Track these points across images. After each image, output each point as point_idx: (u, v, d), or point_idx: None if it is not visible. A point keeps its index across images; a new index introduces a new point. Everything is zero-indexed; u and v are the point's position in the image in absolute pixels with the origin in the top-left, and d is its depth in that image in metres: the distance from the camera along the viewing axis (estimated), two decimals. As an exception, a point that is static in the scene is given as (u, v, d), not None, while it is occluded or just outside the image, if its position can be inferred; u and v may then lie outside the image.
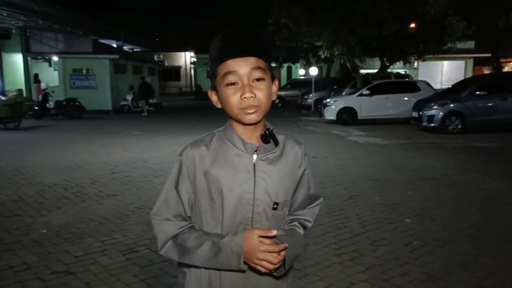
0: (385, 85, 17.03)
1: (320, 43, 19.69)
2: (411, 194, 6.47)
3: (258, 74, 1.41)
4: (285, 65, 32.96)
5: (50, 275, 3.81)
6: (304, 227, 1.58)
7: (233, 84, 1.41)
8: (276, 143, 1.51)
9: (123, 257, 4.21)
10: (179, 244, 1.46)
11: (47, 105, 18.71)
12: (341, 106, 16.48)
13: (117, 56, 24.76)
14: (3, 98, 16.03)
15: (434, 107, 13.50)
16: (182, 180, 1.49)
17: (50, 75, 23.68)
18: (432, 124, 13.40)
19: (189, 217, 1.51)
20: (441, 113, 13.27)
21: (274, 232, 1.39)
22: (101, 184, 7.05)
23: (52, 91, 19.67)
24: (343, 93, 18.89)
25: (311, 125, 16.52)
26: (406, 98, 16.08)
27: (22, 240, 4.66)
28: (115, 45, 29.92)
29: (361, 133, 13.82)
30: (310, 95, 22.81)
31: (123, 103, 22.41)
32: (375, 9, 16.78)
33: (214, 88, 1.49)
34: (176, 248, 1.47)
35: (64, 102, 18.98)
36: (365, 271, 3.88)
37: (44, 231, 4.93)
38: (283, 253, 1.39)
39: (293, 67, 38.56)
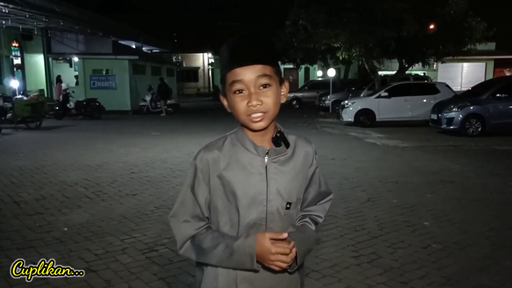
0: (404, 87, 16.88)
1: (338, 45, 19.61)
2: (430, 197, 6.42)
3: (264, 81, 1.44)
4: (303, 67, 32.82)
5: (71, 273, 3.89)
6: (316, 223, 1.65)
7: (240, 91, 1.44)
8: (287, 145, 1.55)
9: (143, 256, 4.28)
10: (196, 245, 1.52)
11: (68, 105, 18.98)
12: (359, 108, 16.38)
13: (136, 57, 25.02)
14: (25, 98, 16.33)
15: (454, 109, 13.35)
16: (198, 183, 1.54)
17: (70, 76, 24.03)
18: (451, 127, 13.25)
19: (206, 217, 1.57)
20: (460, 116, 13.11)
21: (285, 235, 1.45)
22: (121, 184, 7.15)
23: (73, 91, 19.95)
24: (361, 95, 18.81)
25: (329, 126, 16.48)
26: (425, 100, 15.90)
27: (44, 237, 4.76)
28: (134, 46, 30.23)
29: (379, 135, 13.74)
30: (328, 97, 22.70)
31: (142, 103, 22.61)
32: (394, 10, 16.66)
33: (224, 94, 1.53)
34: (194, 248, 1.53)
35: (84, 103, 19.23)
36: (383, 274, 3.87)
37: (65, 229, 5.03)
38: (294, 250, 1.46)
39: (311, 68, 38.42)
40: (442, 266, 4.01)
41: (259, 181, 1.51)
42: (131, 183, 7.21)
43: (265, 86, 1.44)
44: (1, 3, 15.64)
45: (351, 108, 16.51)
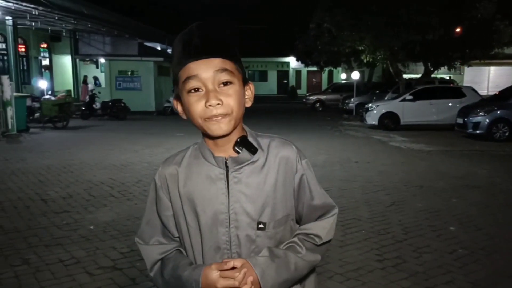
0: (429, 90, 16.67)
1: (362, 47, 19.48)
2: (455, 202, 6.33)
3: (224, 77, 1.21)
4: (326, 69, 32.70)
5: (97, 270, 3.96)
6: (313, 244, 1.35)
7: (196, 90, 1.22)
8: (253, 151, 1.30)
9: (167, 255, 4.31)
10: (161, 272, 1.34)
11: (94, 105, 19.28)
12: (383, 111, 16.25)
13: (161, 59, 25.26)
14: (52, 98, 16.67)
15: (480, 113, 13.12)
16: (160, 202, 1.37)
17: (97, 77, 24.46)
18: (477, 131, 13.02)
19: (177, 237, 1.39)
20: (487, 120, 12.88)
21: (230, 264, 1.20)
22: (146, 184, 7.23)
23: (99, 92, 20.27)
24: (385, 98, 18.65)
25: (352, 129, 16.37)
26: (450, 104, 15.69)
27: (71, 235, 4.85)
28: (159, 48, 30.55)
29: (403, 138, 13.59)
30: (352, 100, 22.60)
31: (166, 104, 22.81)
32: (420, 14, 16.47)
33: (178, 97, 1.31)
34: (160, 274, 1.34)
35: (110, 103, 19.51)
36: (408, 278, 3.84)
37: (91, 227, 5.12)
38: (249, 280, 1.20)
39: (334, 71, 38.25)
40: (468, 272, 3.94)
41: (219, 197, 1.28)
42: (156, 183, 7.27)
43: (225, 83, 1.22)
44: (31, 5, 16.00)
45: (375, 111, 16.40)
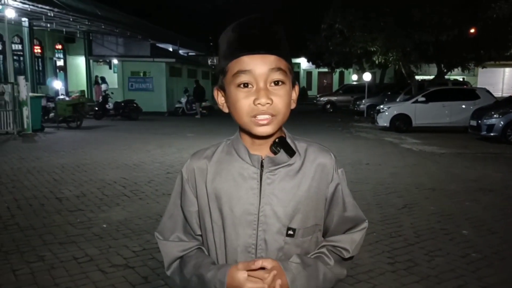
0: (442, 92, 16.49)
1: (374, 48, 19.39)
2: (468, 205, 6.27)
3: (277, 76, 1.15)
4: (338, 70, 32.62)
5: (110, 268, 3.99)
6: (340, 257, 1.31)
7: (246, 85, 1.15)
8: (291, 153, 1.24)
9: (179, 254, 4.34)
10: (181, 269, 1.29)
11: (107, 106, 19.45)
12: (395, 112, 16.14)
13: (173, 60, 25.41)
14: (67, 98, 16.87)
15: (495, 115, 13.00)
16: (185, 197, 1.32)
17: (110, 78, 24.63)
18: (491, 134, 12.89)
19: (199, 236, 1.34)
20: (502, 122, 12.75)
21: (259, 264, 1.14)
22: (157, 183, 7.28)
23: (112, 93, 20.45)
24: (397, 100, 18.53)
25: (363, 131, 16.30)
26: (464, 106, 15.52)
27: (84, 233, 4.90)
28: (171, 49, 30.72)
29: (415, 140, 13.50)
30: (363, 101, 22.50)
31: (177, 105, 22.94)
32: (433, 14, 16.35)
33: (222, 87, 1.24)
34: (178, 273, 1.30)
35: (123, 104, 19.67)
36: (420, 281, 3.81)
37: (104, 226, 5.17)
38: (278, 283, 1.15)
39: (346, 72, 38.14)
40: (481, 276, 3.91)
41: (249, 197, 1.22)
42: (168, 183, 7.32)
43: (277, 83, 1.16)
44: (47, 7, 16.21)
45: (386, 113, 16.28)
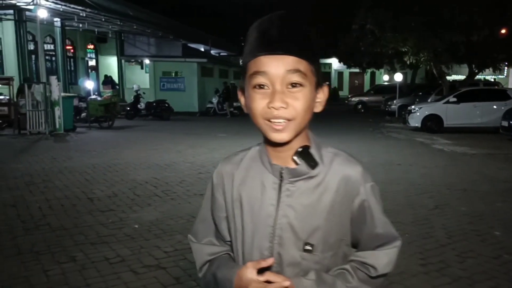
0: (473, 92, 16.18)
1: (405, 49, 19.05)
2: (500, 206, 6.10)
3: (295, 78, 1.08)
4: (369, 71, 32.23)
5: (142, 269, 3.95)
6: (368, 275, 1.21)
7: (261, 86, 1.10)
8: (312, 165, 1.16)
9: (211, 256, 4.28)
10: (209, 272, 1.28)
11: (139, 106, 19.66)
12: (426, 113, 15.86)
13: (204, 60, 25.51)
14: (99, 98, 17.10)
15: (527, 116, 12.60)
16: (214, 201, 1.31)
17: (141, 78, 24.93)
18: (524, 134, 12.50)
19: (229, 241, 1.31)
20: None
21: (270, 261, 1.13)
22: (189, 184, 7.25)
23: (144, 93, 20.63)
24: (429, 100, 18.26)
25: (394, 131, 16.02)
26: (495, 107, 15.17)
27: (116, 234, 4.89)
28: (202, 49, 30.89)
29: (447, 141, 13.19)
30: (394, 101, 22.23)
31: (209, 105, 23.03)
32: (463, 14, 15.95)
33: (242, 87, 1.19)
34: (207, 275, 1.29)
35: (154, 104, 19.84)
36: (452, 283, 3.73)
37: (136, 226, 5.14)
38: None
39: (377, 72, 37.63)
40: (517, 279, 3.77)
41: (268, 208, 1.18)
42: (199, 183, 7.29)
43: (295, 85, 1.09)
44: (79, 7, 16.50)
45: (418, 113, 16.04)
